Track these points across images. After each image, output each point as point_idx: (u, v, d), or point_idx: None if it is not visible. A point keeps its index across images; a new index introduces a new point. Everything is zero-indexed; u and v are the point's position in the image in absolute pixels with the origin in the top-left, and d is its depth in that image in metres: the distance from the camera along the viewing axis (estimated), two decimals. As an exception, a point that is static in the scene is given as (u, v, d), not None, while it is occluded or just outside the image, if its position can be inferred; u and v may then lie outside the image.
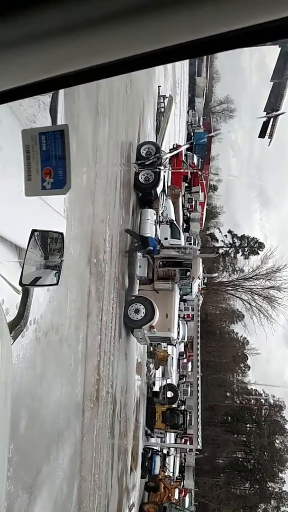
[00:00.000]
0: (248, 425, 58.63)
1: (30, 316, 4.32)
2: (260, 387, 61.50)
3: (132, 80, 12.66)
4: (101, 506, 9.21)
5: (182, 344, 34.93)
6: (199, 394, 22.42)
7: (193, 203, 41.50)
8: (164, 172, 14.97)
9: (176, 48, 0.77)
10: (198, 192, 41.94)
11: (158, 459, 19.87)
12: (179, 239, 17.45)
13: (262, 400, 60.46)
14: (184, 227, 36.32)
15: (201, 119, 57.62)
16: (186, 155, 38.31)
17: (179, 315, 17.93)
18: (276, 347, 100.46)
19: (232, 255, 62.20)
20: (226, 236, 64.99)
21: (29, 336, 4.98)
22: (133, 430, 14.49)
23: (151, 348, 19.62)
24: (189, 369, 36.93)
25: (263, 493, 54.90)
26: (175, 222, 18.35)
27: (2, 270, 3.58)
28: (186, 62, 47.02)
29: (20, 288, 2.50)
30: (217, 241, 65.84)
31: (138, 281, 13.83)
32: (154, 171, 13.58)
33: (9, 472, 4.29)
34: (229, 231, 65.11)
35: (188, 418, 21.14)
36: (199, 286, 19.57)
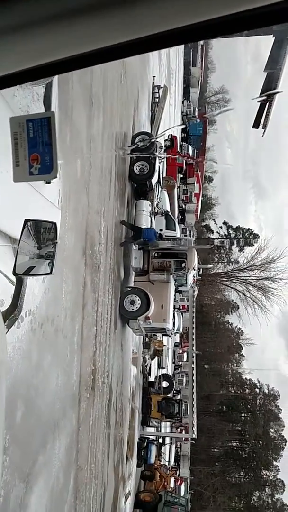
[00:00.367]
0: (243, 414, 59.24)
1: (25, 307, 4.34)
2: (255, 377, 62.08)
3: (126, 70, 12.57)
4: (98, 494, 9.30)
5: (178, 335, 35.11)
6: (194, 384, 22.60)
7: (188, 195, 41.49)
8: (159, 162, 14.93)
9: (171, 33, 0.77)
10: (193, 183, 41.93)
11: (153, 448, 20.05)
12: (174, 230, 17.44)
13: (257, 389, 61.03)
14: (179, 218, 36.34)
15: (196, 109, 57.36)
16: (181, 145, 38.21)
17: (174, 306, 17.98)
18: (270, 337, 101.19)
19: (227, 247, 62.33)
20: (221, 227, 65.18)
21: (24, 327, 5.00)
22: (129, 419, 14.60)
23: (147, 339, 19.71)
24: (185, 359, 37.15)
25: (257, 481, 55.68)
26: (170, 213, 18.35)
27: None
28: (181, 52, 46.69)
29: (14, 278, 2.51)
30: (212, 232, 65.99)
31: (133, 272, 13.85)
32: (149, 162, 13.53)
33: (5, 461, 4.33)
34: (224, 223, 65.27)
35: (183, 407, 21.32)
36: (194, 277, 19.60)
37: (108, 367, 10.33)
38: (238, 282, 54.01)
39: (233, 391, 62.79)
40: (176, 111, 40.14)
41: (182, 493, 27.48)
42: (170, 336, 21.74)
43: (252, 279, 52.15)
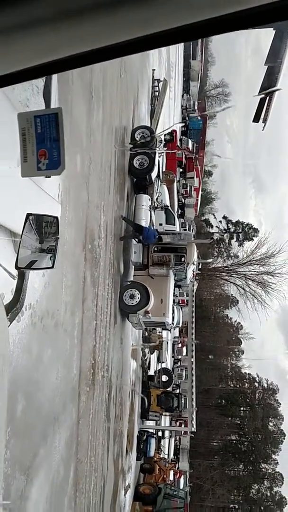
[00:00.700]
0: (242, 408, 59.52)
1: (25, 301, 4.35)
2: (254, 371, 62.32)
3: (126, 63, 12.50)
4: (97, 487, 9.37)
5: (177, 329, 35.19)
6: (194, 378, 22.68)
7: (188, 189, 41.42)
8: (159, 156, 14.89)
9: (172, 32, 0.78)
10: (193, 177, 41.82)
11: (153, 442, 20.16)
12: (174, 225, 17.44)
13: (256, 383, 61.30)
14: (179, 213, 36.29)
15: (196, 103, 57.12)
16: (181, 139, 38.10)
17: (173, 300, 18.02)
18: (269, 331, 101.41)
19: (227, 241, 62.34)
20: (220, 222, 65.11)
21: (25, 321, 5.01)
22: (128, 413, 14.67)
23: (146, 333, 19.76)
24: (184, 353, 37.26)
25: (256, 474, 56.05)
26: (169, 207, 18.34)
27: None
28: (180, 45, 46.40)
29: (15, 273, 2.52)
30: (212, 227, 65.92)
31: (133, 266, 13.87)
32: (149, 156, 13.50)
33: (6, 454, 4.36)
34: (224, 217, 65.21)
35: (182, 401, 21.42)
36: (193, 271, 19.63)
37: (108, 361, 10.36)
38: (237, 277, 54.01)
39: (232, 385, 63.04)
40: (176, 104, 39.99)
41: (181, 486, 27.64)
42: (170, 330, 21.80)
43: (251, 274, 52.15)
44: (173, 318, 17.18)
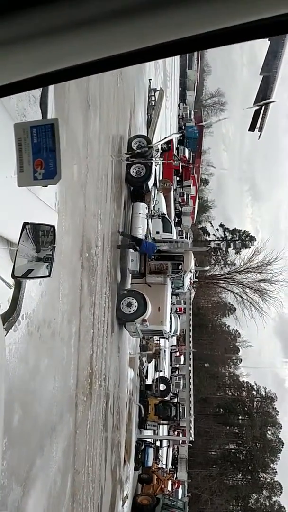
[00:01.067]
0: (240, 417, 59.25)
1: (22, 310, 4.34)
2: (252, 380, 62.13)
3: (122, 73, 12.59)
4: (95, 498, 9.28)
5: (175, 337, 35.11)
6: (191, 387, 22.60)
7: (185, 197, 41.59)
8: (156, 165, 14.96)
9: (171, 44, 0.79)
10: (190, 186, 42.03)
11: (151, 451, 20.02)
12: (171, 233, 17.49)
13: (254, 392, 61.08)
14: (176, 221, 36.39)
15: (192, 112, 57.54)
16: (177, 148, 38.31)
17: (171, 308, 18.00)
18: (267, 339, 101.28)
19: (224, 249, 62.46)
20: (217, 229, 65.29)
21: (21, 331, 4.98)
22: (126, 423, 14.57)
23: (144, 341, 19.70)
24: (182, 362, 37.13)
25: (255, 484, 55.64)
26: (166, 216, 18.39)
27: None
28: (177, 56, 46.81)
29: (11, 282, 2.52)
30: (209, 234, 66.08)
31: (130, 275, 13.86)
32: (146, 165, 13.57)
33: (2, 465, 4.31)
34: (221, 225, 65.41)
35: (180, 410, 21.30)
36: (191, 279, 19.65)
37: (105, 370, 10.31)
38: (235, 284, 54.08)
39: (230, 393, 62.80)
40: (172, 114, 40.26)
41: (180, 496, 27.41)
42: (167, 339, 21.76)
43: (248, 281, 52.24)
44: (170, 326, 17.14)
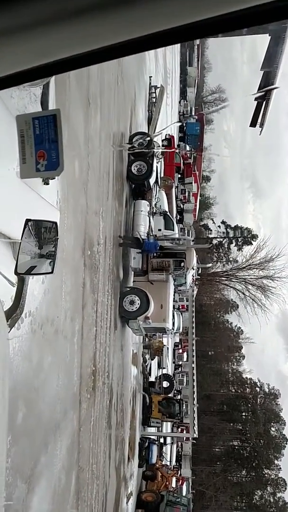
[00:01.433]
0: (243, 414, 59.30)
1: (25, 308, 4.34)
2: (255, 376, 62.15)
3: (123, 70, 12.57)
4: (100, 495, 9.30)
5: (177, 335, 35.12)
6: (195, 384, 22.60)
7: (186, 194, 41.52)
8: (157, 162, 14.94)
9: (171, 32, 0.78)
10: (191, 183, 41.94)
11: (155, 448, 20.04)
12: (173, 230, 17.48)
13: (257, 388, 61.10)
14: (178, 218, 36.34)
15: (193, 109, 57.40)
16: (178, 145, 38.25)
17: (173, 306, 18.00)
18: (270, 336, 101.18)
19: (226, 246, 62.40)
20: (219, 226, 65.24)
21: (24, 328, 4.99)
22: (129, 420, 14.60)
23: (147, 339, 19.72)
24: (185, 359, 37.16)
25: (259, 480, 55.73)
26: (168, 213, 18.37)
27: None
28: (177, 52, 46.74)
29: (14, 280, 2.52)
30: (211, 231, 66.02)
31: (132, 272, 13.86)
32: (147, 162, 13.54)
33: (7, 462, 4.33)
34: (223, 222, 65.34)
35: (184, 407, 21.32)
36: (193, 276, 19.62)
37: (109, 368, 10.33)
38: (237, 281, 54.01)
39: (233, 390, 62.84)
40: (173, 111, 40.17)
41: (184, 493, 27.50)
42: (170, 336, 21.76)
43: (251, 278, 52.16)
44: (173, 323, 17.15)
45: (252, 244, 58.05)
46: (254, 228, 69.32)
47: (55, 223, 2.39)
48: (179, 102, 52.47)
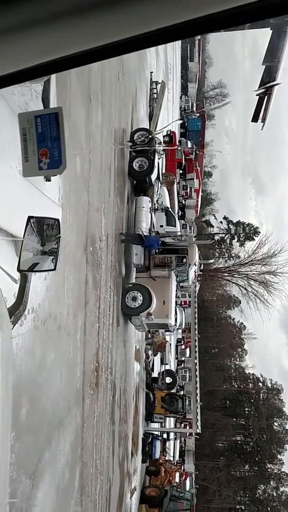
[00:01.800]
0: (246, 409, 59.40)
1: (28, 305, 4.36)
2: (258, 371, 62.22)
3: (124, 66, 12.53)
4: (103, 490, 9.35)
5: (180, 331, 35.16)
6: (197, 379, 22.65)
7: (188, 190, 41.50)
8: (158, 158, 14.91)
9: (172, 29, 0.78)
10: (193, 179, 41.89)
11: (158, 444, 20.10)
12: (175, 226, 17.44)
13: (260, 384, 61.18)
14: (180, 214, 36.31)
15: (195, 104, 57.20)
16: (180, 141, 38.16)
17: (176, 302, 18.00)
18: (273, 331, 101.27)
19: (228, 241, 62.32)
20: (221, 222, 65.11)
21: (27, 325, 5.01)
22: (133, 415, 14.65)
23: (149, 335, 19.75)
24: (187, 355, 37.22)
25: (262, 475, 55.88)
26: (170, 209, 18.34)
27: (-1, 259, 3.58)
28: (178, 47, 46.52)
29: (17, 277, 2.53)
30: (213, 227, 65.91)
31: (134, 268, 13.86)
32: (149, 158, 13.52)
33: (11, 458, 4.36)
34: (225, 218, 65.21)
35: (187, 403, 21.38)
36: (195, 272, 19.63)
37: (111, 364, 10.36)
38: (239, 277, 53.95)
39: (236, 385, 62.92)
40: (174, 106, 40.04)
41: (188, 488, 27.58)
42: (172, 332, 21.79)
43: (253, 274, 52.09)
44: (175, 319, 17.15)
45: (254, 239, 57.97)
46: (256, 224, 69.00)
47: (57, 220, 2.39)
48: (180, 97, 52.29)
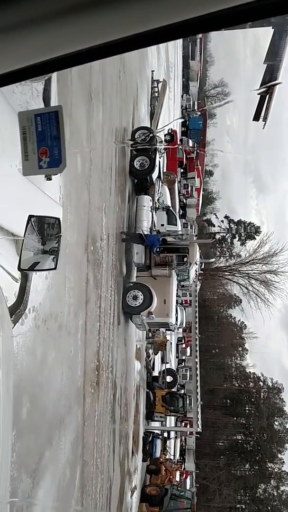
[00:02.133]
0: (247, 408, 59.39)
1: (29, 304, 4.36)
2: (259, 371, 62.19)
3: (125, 65, 12.51)
4: (104, 489, 9.36)
5: (181, 330, 35.17)
6: (198, 378, 22.66)
7: (189, 189, 41.41)
8: (160, 157, 14.89)
9: (172, 27, 0.77)
10: (194, 177, 41.82)
11: (159, 443, 20.12)
12: (176, 225, 17.43)
13: (260, 383, 61.18)
14: (181, 213, 36.29)
15: (196, 103, 57.12)
16: (181, 140, 38.14)
17: (177, 301, 18.00)
18: (273, 330, 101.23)
19: (229, 240, 62.30)
20: (222, 221, 65.05)
21: (28, 324, 5.01)
22: (133, 414, 14.66)
23: (150, 333, 19.75)
24: (188, 354, 37.22)
25: (262, 474, 55.88)
26: (171, 208, 18.32)
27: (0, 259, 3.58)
28: (179, 46, 46.44)
29: (17, 276, 2.52)
30: (214, 226, 65.84)
31: (135, 267, 13.86)
32: (150, 157, 13.50)
33: (12, 457, 4.36)
34: (226, 217, 65.14)
35: (187, 401, 21.39)
36: (196, 271, 19.63)
37: (112, 362, 10.36)
38: (240, 276, 53.95)
39: (237, 384, 62.90)
40: (175, 105, 40.00)
41: (188, 487, 27.63)
42: (173, 331, 21.81)
43: (254, 273, 52.09)
44: (176, 318, 17.16)
45: (255, 238, 57.94)
46: (258, 223, 68.89)
47: (58, 219, 2.39)
48: (182, 96, 52.22)
